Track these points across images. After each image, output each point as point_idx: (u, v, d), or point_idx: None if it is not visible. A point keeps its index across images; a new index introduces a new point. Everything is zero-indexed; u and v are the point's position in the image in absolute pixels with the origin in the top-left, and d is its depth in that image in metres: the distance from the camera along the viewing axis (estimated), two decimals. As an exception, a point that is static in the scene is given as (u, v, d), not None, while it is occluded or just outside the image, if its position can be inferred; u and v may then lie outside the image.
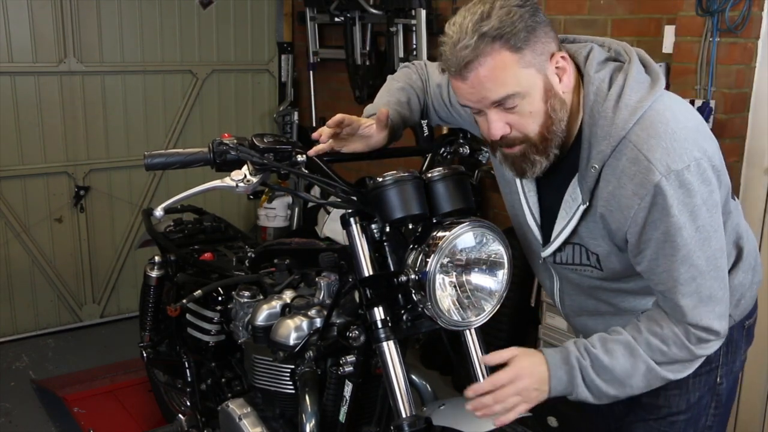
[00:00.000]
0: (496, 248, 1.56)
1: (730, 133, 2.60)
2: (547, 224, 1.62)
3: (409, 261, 1.55)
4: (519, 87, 1.38)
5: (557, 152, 1.47)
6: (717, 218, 1.41)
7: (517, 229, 1.73)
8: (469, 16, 1.37)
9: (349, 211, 1.60)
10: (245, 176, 1.53)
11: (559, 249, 1.59)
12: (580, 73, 1.48)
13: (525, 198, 1.63)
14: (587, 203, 1.48)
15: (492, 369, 1.54)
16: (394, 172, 1.55)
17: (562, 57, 1.42)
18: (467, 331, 1.67)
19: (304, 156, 1.62)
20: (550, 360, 1.47)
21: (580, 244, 1.55)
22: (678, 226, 1.37)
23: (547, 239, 1.62)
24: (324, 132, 1.66)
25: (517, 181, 1.63)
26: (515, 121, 1.42)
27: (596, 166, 1.43)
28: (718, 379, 1.68)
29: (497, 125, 1.43)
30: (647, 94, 1.41)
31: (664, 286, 1.44)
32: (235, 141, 1.57)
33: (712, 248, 1.41)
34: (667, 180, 1.35)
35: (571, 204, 1.52)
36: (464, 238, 1.52)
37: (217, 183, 1.54)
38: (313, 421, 1.79)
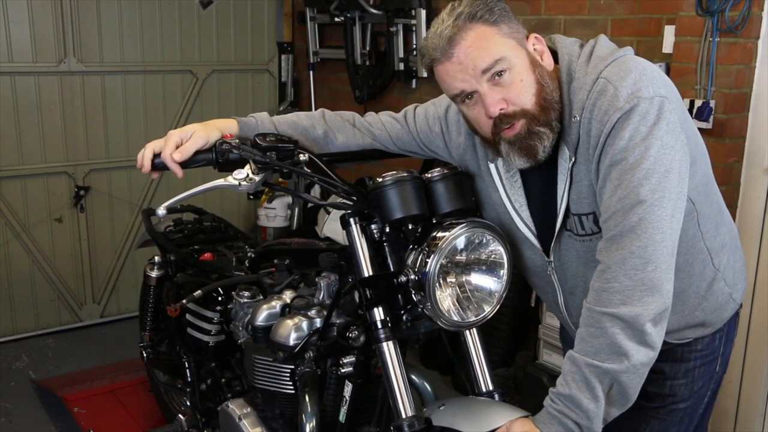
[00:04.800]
0: (496, 248, 1.56)
1: (730, 133, 2.60)
2: (540, 234, 1.62)
3: (409, 261, 1.55)
4: (504, 53, 1.44)
5: (559, 125, 1.49)
6: (668, 159, 1.37)
7: (512, 250, 1.67)
8: (442, 13, 1.48)
9: (349, 211, 1.60)
10: (248, 175, 1.53)
11: (564, 225, 1.56)
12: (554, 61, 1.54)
13: (515, 211, 1.63)
14: (573, 158, 1.49)
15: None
16: (394, 172, 1.56)
17: (536, 38, 1.50)
18: (467, 331, 1.67)
19: (306, 155, 1.62)
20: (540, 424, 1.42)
21: (578, 214, 1.53)
22: (627, 149, 1.37)
23: (545, 247, 1.62)
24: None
25: (503, 195, 1.63)
26: (509, 94, 1.45)
27: (577, 117, 1.45)
28: (717, 368, 1.72)
29: (493, 100, 1.45)
30: (617, 49, 1.49)
31: (612, 222, 1.39)
32: (238, 141, 1.57)
33: (655, 183, 1.36)
34: (629, 105, 1.37)
35: (564, 165, 1.52)
36: (464, 238, 1.52)
37: (220, 182, 1.54)
38: (313, 421, 1.79)
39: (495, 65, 1.43)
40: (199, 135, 1.63)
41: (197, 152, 1.63)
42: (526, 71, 1.46)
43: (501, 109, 1.45)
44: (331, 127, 1.82)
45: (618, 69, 1.42)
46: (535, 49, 1.49)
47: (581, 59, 1.48)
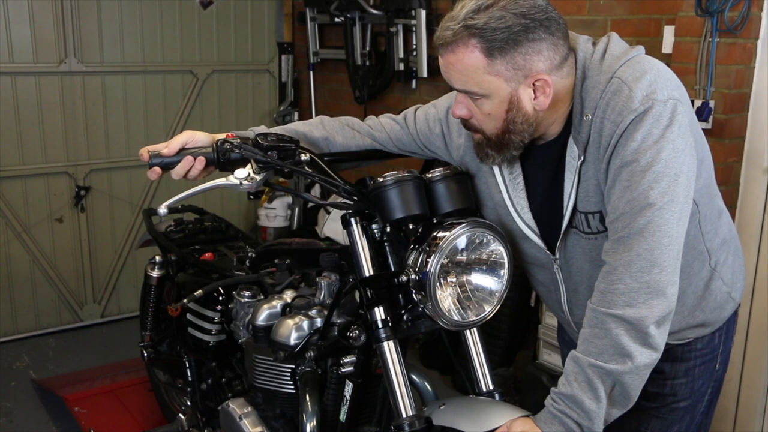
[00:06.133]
0: (497, 248, 1.56)
1: (729, 133, 2.60)
2: (545, 231, 1.62)
3: (410, 261, 1.56)
4: (479, 89, 1.45)
5: (516, 153, 1.53)
6: (678, 162, 1.37)
7: (515, 247, 1.69)
8: (472, 2, 1.43)
9: (350, 211, 1.60)
10: (249, 174, 1.53)
11: (570, 223, 1.56)
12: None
13: (517, 213, 1.63)
14: (582, 157, 1.48)
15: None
16: (395, 172, 1.56)
17: (545, 81, 1.43)
18: (467, 331, 1.67)
19: (308, 155, 1.62)
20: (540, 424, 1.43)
21: (585, 212, 1.53)
22: (639, 151, 1.37)
23: (551, 243, 1.62)
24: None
25: (506, 198, 1.63)
26: (476, 112, 1.50)
27: (589, 115, 1.45)
28: (717, 366, 1.72)
29: (459, 106, 1.52)
30: (630, 48, 1.49)
31: (620, 224, 1.39)
32: (239, 140, 1.58)
33: (665, 186, 1.37)
34: (644, 107, 1.37)
35: (573, 163, 1.52)
36: (464, 238, 1.52)
37: (221, 181, 1.55)
38: (314, 421, 1.80)
39: (465, 90, 1.47)
40: (186, 133, 1.66)
41: (184, 149, 1.63)
42: (497, 108, 1.46)
43: (462, 116, 1.52)
44: (329, 130, 1.83)
45: (633, 69, 1.42)
46: (535, 86, 1.43)
47: (595, 57, 1.47)
